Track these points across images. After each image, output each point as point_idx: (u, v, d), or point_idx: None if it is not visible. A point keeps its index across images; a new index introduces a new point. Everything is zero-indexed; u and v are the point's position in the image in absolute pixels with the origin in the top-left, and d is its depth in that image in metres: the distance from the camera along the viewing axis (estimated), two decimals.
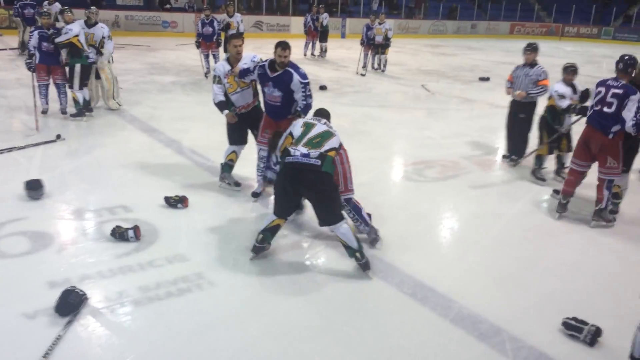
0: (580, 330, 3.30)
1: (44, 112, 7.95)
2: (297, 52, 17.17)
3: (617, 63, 4.90)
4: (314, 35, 16.70)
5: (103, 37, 8.17)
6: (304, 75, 4.77)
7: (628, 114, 4.67)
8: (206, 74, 11.98)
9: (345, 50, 19.23)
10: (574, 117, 5.90)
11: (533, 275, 4.14)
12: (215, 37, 11.70)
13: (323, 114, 4.44)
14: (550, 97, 6.07)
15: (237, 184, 5.50)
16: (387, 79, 13.61)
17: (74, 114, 7.89)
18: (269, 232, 4.09)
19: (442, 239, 4.79)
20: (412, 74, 14.57)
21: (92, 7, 8.39)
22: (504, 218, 5.22)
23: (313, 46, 16.91)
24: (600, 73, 16.96)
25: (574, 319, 3.37)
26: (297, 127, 4.09)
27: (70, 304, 3.32)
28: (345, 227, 3.92)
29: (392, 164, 6.88)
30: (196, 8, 20.45)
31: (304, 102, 4.81)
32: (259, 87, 5.15)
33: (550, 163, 6.40)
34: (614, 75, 4.93)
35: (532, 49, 6.40)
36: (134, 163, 6.23)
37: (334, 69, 15.01)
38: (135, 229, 4.33)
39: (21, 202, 4.94)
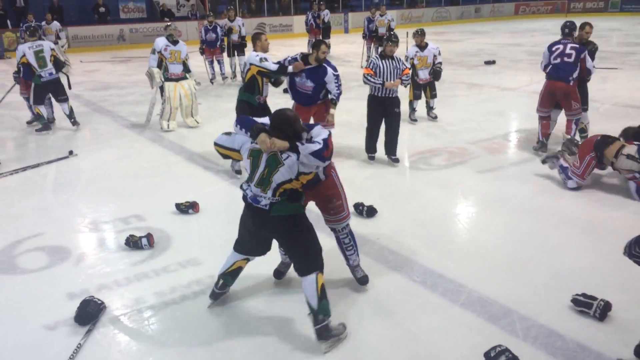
0: (589, 306, 3.32)
1: (29, 122, 8.49)
2: (301, 50, 17.25)
3: (563, 28, 6.55)
4: (316, 32, 16.69)
5: (187, 55, 8.06)
6: (335, 69, 5.63)
7: (589, 63, 6.33)
8: (212, 80, 12.10)
9: (349, 45, 19.22)
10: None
11: (542, 255, 4.15)
12: (218, 43, 11.81)
13: (281, 125, 3.05)
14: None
15: (239, 172, 5.90)
16: None
17: (38, 129, 8.13)
18: (229, 276, 3.54)
19: (450, 225, 4.82)
20: None
21: (171, 24, 8.27)
22: (512, 200, 5.23)
23: None
24: (609, 46, 16.78)
25: (583, 294, 3.40)
26: (244, 150, 3.18)
27: (89, 313, 3.43)
28: (311, 279, 3.15)
29: (399, 154, 6.89)
30: (199, 16, 20.61)
31: (337, 92, 5.65)
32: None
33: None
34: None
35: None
36: (144, 172, 6.35)
37: (338, 64, 14.93)
38: (149, 236, 4.43)
39: (38, 218, 5.08)
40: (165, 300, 3.66)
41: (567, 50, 6.29)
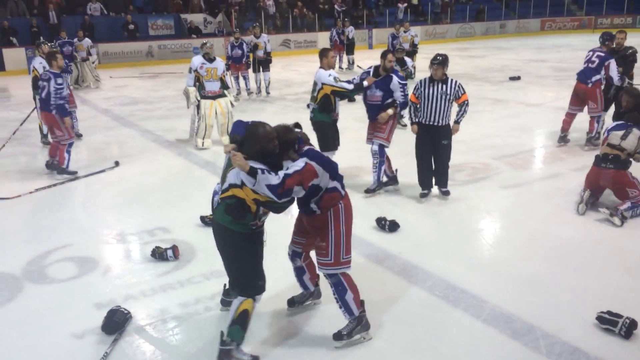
0: (615, 324, 3.28)
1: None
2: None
3: (600, 38, 7.51)
4: (340, 48, 16.87)
5: (224, 71, 8.11)
6: (401, 78, 5.72)
7: (613, 73, 7.12)
8: (237, 96, 12.28)
9: (372, 60, 19.20)
10: None
11: (566, 272, 4.12)
12: (244, 59, 12.00)
13: (248, 139, 3.02)
14: None
15: None
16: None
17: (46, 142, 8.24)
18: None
19: (473, 241, 4.80)
20: None
21: (207, 42, 8.35)
22: (536, 216, 5.20)
23: (340, 59, 17.07)
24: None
25: (608, 312, 3.36)
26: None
27: (116, 322, 3.51)
28: (237, 301, 3.11)
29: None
30: (225, 32, 20.98)
31: (403, 100, 5.71)
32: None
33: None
34: None
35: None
36: (170, 185, 6.48)
37: None
38: (174, 248, 4.52)
39: (67, 230, 5.22)
40: (189, 311, 3.73)
41: (593, 58, 7.30)
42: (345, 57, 17.10)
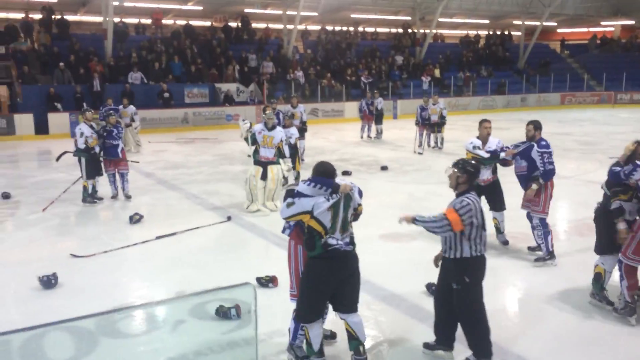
0: None
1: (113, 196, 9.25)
2: (353, 134, 18.04)
3: None
4: (370, 118, 17.50)
5: (281, 140, 8.38)
6: (542, 146, 5.77)
7: None
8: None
9: (398, 130, 19.91)
10: None
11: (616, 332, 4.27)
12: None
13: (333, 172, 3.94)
14: None
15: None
16: (444, 156, 14.05)
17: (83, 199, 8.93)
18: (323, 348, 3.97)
19: (522, 305, 4.98)
20: None
21: (268, 112, 8.91)
22: (572, 295, 5.33)
23: (369, 129, 17.68)
24: None
25: None
26: (320, 208, 3.76)
27: None
28: (360, 316, 3.89)
29: None
30: (257, 101, 21.90)
31: (542, 169, 5.74)
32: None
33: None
34: None
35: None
36: (222, 247, 6.82)
37: (391, 149, 15.62)
38: (237, 307, 4.77)
39: (131, 289, 5.51)
40: None
41: None
42: (373, 127, 17.68)
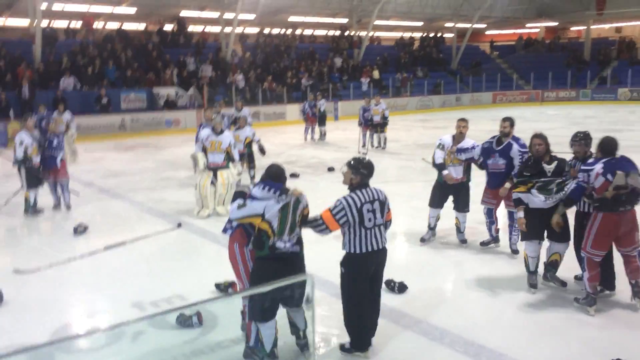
0: None
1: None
2: (297, 137, 18.06)
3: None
4: (313, 120, 17.58)
5: (230, 144, 8.26)
6: (523, 145, 5.81)
7: None
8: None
9: (341, 131, 20.10)
10: None
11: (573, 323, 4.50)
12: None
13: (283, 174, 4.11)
14: None
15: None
16: (388, 156, 14.32)
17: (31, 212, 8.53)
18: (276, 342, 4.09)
19: (482, 298, 5.16)
20: (410, 149, 15.29)
21: (216, 117, 8.81)
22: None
23: (312, 131, 17.75)
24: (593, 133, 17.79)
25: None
26: (271, 210, 3.86)
27: None
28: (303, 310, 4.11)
29: (413, 232, 7.27)
30: (197, 105, 21.51)
31: (519, 168, 5.63)
32: (473, 166, 6.47)
33: None
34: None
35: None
36: (175, 254, 6.64)
37: (335, 150, 15.74)
38: (198, 315, 4.68)
39: (85, 302, 5.29)
40: None
41: None
42: (317, 129, 17.76)
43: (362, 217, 4.05)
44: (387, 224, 4.25)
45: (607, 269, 4.94)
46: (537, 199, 5.04)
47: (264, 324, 3.90)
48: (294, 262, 3.95)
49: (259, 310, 3.89)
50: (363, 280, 4.09)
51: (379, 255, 4.14)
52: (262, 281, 3.78)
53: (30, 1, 19.84)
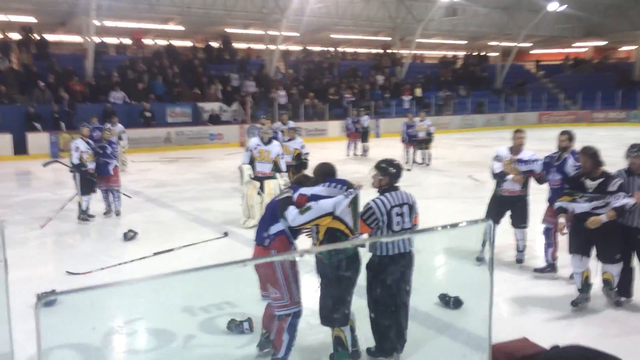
0: None
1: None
2: (338, 152, 18.02)
3: None
4: (356, 136, 17.55)
5: (278, 155, 8.29)
6: (577, 160, 5.53)
7: None
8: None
9: (383, 148, 19.94)
10: None
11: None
12: None
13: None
14: None
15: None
16: (433, 172, 14.12)
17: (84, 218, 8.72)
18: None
19: (537, 314, 4.93)
20: (456, 166, 15.06)
21: (264, 125, 8.94)
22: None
23: (355, 147, 17.70)
24: None
25: None
26: (342, 206, 3.78)
27: None
28: None
29: (463, 248, 7.07)
30: (240, 120, 21.80)
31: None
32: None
33: None
34: None
35: None
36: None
37: None
38: (250, 321, 4.62)
39: (137, 305, 5.30)
40: None
41: None
42: (360, 145, 17.70)
43: (391, 220, 3.95)
44: (414, 227, 4.13)
45: (626, 274, 4.90)
46: (580, 205, 4.94)
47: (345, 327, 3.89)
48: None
49: (341, 313, 3.87)
50: (389, 284, 3.98)
51: (406, 259, 4.01)
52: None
53: (84, 19, 20.59)
